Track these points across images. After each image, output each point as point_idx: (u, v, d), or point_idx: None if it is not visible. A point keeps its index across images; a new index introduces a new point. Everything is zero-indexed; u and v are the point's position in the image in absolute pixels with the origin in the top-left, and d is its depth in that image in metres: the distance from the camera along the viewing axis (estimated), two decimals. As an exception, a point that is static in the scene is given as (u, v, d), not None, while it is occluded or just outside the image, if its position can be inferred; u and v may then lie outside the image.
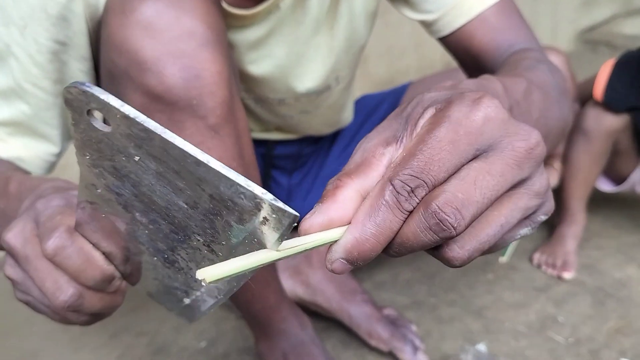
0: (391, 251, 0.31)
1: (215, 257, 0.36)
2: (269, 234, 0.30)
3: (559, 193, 1.24)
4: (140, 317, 1.13)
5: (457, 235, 0.29)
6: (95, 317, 0.44)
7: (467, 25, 0.72)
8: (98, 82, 0.72)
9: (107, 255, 0.41)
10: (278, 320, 0.85)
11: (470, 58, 0.74)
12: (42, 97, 0.67)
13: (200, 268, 0.33)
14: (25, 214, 0.44)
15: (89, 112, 0.31)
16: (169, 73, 0.58)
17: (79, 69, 0.68)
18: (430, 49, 2.05)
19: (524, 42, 0.70)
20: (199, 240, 0.36)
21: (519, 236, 0.33)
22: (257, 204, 0.29)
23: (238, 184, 0.29)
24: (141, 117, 0.30)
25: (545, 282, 1.15)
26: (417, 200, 0.29)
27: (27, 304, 0.45)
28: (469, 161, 0.30)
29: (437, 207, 0.28)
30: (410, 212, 0.30)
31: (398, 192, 0.29)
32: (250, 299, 0.81)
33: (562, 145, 1.24)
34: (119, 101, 0.30)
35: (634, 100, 1.12)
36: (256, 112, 0.92)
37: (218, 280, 0.29)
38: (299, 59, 0.82)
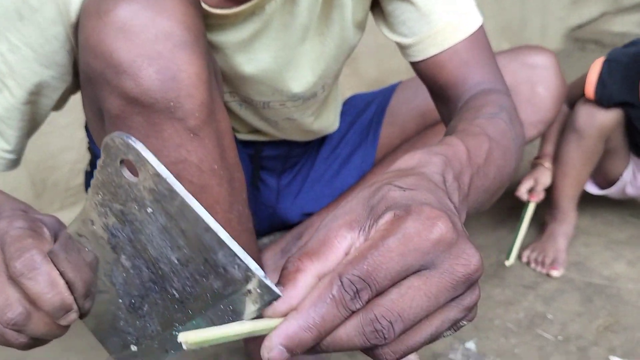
0: (321, 346, 0.33)
1: (184, 315, 0.38)
2: (249, 306, 0.33)
3: (551, 191, 1.25)
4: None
5: (385, 345, 0.32)
6: (34, 342, 0.44)
7: (439, 56, 0.73)
8: (76, 87, 0.72)
9: (70, 286, 0.41)
10: (266, 320, 0.84)
11: (437, 87, 0.76)
12: (5, 95, 0.66)
13: (164, 319, 0.37)
14: None
15: (122, 161, 0.34)
16: (145, 75, 0.58)
17: (51, 76, 0.67)
18: (420, 47, 2.04)
19: (490, 81, 0.72)
20: (174, 295, 0.38)
21: (441, 337, 0.36)
22: (247, 276, 0.32)
23: (237, 256, 0.32)
24: (171, 179, 0.32)
25: (534, 279, 1.16)
26: (361, 303, 0.32)
27: None
28: (412, 272, 0.32)
29: (374, 317, 0.31)
30: (353, 312, 0.32)
31: (345, 290, 0.31)
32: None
33: (552, 145, 1.24)
34: (157, 160, 0.32)
35: (626, 95, 1.13)
36: (240, 115, 0.92)
37: (197, 344, 0.31)
38: (287, 64, 0.82)
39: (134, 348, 0.45)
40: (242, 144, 0.86)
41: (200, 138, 0.62)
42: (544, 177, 1.22)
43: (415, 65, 0.78)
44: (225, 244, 0.32)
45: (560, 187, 1.23)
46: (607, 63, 1.16)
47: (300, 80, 0.84)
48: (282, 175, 1.10)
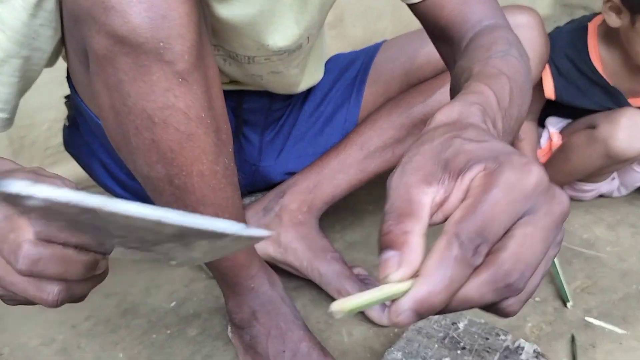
0: (449, 307, 0.33)
1: (189, 251, 0.39)
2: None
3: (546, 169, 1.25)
4: (109, 278, 1.11)
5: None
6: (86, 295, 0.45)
7: None
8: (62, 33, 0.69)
9: (81, 247, 0.41)
10: (247, 277, 0.84)
11: (438, 29, 0.74)
12: None
13: (174, 258, 0.39)
14: None
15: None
16: (134, 12, 0.56)
17: (39, 24, 0.64)
18: (407, 11, 2.02)
19: (491, 17, 0.71)
20: (170, 244, 0.39)
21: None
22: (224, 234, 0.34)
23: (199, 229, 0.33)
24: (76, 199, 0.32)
25: (515, 242, 1.17)
26: (482, 258, 0.32)
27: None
28: (517, 220, 0.33)
29: (507, 271, 0.32)
30: (475, 268, 0.32)
31: (466, 248, 0.32)
32: (219, 256, 0.80)
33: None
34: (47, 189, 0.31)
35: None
36: (224, 70, 0.90)
37: (349, 312, 0.32)
38: (272, 17, 0.80)
39: (173, 263, 0.45)
40: (224, 95, 0.85)
41: (189, 83, 0.60)
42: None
43: (414, 7, 0.76)
44: (177, 225, 0.33)
45: (561, 178, 1.24)
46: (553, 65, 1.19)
47: (285, 33, 0.82)
48: (265, 132, 1.09)
